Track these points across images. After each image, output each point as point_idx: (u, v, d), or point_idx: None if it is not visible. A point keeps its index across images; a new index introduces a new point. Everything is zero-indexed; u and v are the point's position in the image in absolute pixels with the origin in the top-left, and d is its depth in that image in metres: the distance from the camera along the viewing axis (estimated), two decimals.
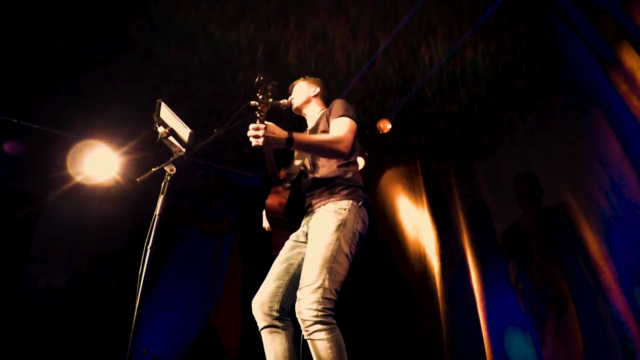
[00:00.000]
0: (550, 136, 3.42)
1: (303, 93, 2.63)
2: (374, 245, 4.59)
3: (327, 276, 1.97)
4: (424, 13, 3.53)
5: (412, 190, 4.56)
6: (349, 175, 2.28)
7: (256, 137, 1.95)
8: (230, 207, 5.67)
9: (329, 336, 1.89)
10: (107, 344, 4.47)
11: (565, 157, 3.26)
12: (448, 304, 3.80)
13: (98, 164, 4.61)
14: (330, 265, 2.00)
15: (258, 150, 2.08)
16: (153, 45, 3.84)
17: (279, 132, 2.04)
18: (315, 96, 2.64)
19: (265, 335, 2.15)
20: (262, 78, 2.02)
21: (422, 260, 4.18)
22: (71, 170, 4.67)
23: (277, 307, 2.16)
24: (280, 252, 2.33)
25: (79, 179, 4.69)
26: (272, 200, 2.30)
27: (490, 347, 3.38)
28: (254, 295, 2.26)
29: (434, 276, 3.99)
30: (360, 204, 2.21)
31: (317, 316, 1.90)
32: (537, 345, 3.16)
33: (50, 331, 4.47)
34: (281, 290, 2.19)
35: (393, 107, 4.49)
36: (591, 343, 2.86)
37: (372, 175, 5.01)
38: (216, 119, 4.24)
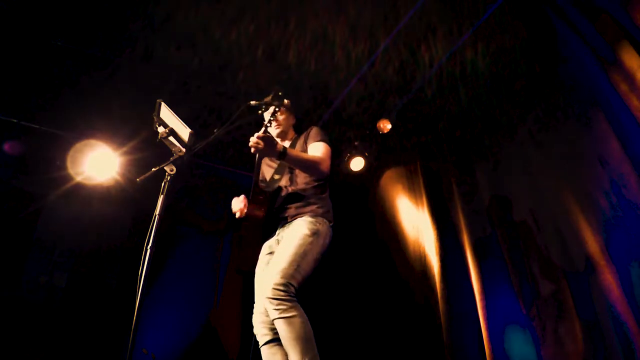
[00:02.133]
0: (550, 136, 3.42)
1: (288, 123, 2.74)
2: (374, 245, 4.60)
3: (295, 268, 2.15)
4: (424, 13, 3.53)
5: (412, 190, 4.56)
6: (324, 195, 2.52)
7: (257, 144, 2.15)
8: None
9: (297, 312, 2.06)
10: (107, 344, 4.47)
11: (565, 157, 3.26)
12: (448, 304, 3.80)
13: (98, 164, 4.61)
14: (299, 260, 2.18)
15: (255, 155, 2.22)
16: (153, 45, 3.84)
17: (278, 145, 2.23)
18: (292, 125, 2.81)
19: (269, 349, 2.24)
20: (280, 94, 2.21)
21: (422, 260, 4.18)
22: (71, 170, 4.67)
23: None
24: (259, 267, 2.47)
25: (79, 179, 4.70)
26: (253, 209, 2.47)
27: (490, 347, 3.38)
28: (253, 295, 2.39)
29: (434, 276, 3.99)
30: (330, 224, 2.43)
31: (284, 296, 2.07)
32: (537, 345, 3.16)
33: (50, 331, 4.47)
34: None
35: (393, 107, 4.48)
36: (591, 343, 2.86)
37: (372, 175, 5.01)
38: (216, 119, 4.24)
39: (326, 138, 2.57)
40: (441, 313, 3.79)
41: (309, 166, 2.41)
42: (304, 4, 3.49)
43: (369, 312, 4.44)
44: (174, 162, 2.03)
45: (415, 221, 4.43)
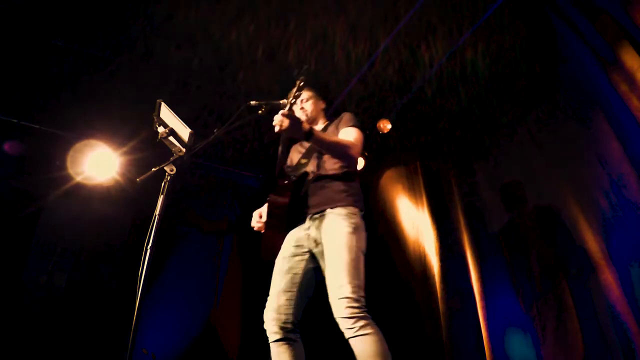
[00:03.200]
0: (550, 136, 3.42)
1: (316, 108, 2.61)
2: (374, 245, 4.58)
3: (357, 276, 2.05)
4: (424, 13, 3.52)
5: (412, 190, 4.56)
6: (354, 183, 2.36)
7: (281, 123, 2.03)
8: (230, 207, 5.68)
9: (374, 329, 1.95)
10: (107, 344, 4.47)
11: (565, 157, 3.26)
12: (448, 304, 3.80)
13: (98, 164, 4.61)
14: (357, 266, 2.08)
15: (280, 135, 2.12)
16: (153, 45, 3.84)
17: (304, 124, 2.10)
18: (322, 109, 2.67)
19: (277, 348, 2.15)
20: (307, 67, 2.17)
21: (422, 260, 4.18)
22: (71, 170, 4.67)
23: (291, 319, 2.16)
24: (279, 259, 2.31)
25: (79, 179, 4.69)
26: (277, 196, 2.27)
27: (490, 347, 3.38)
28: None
29: (434, 276, 3.99)
30: (362, 213, 2.29)
31: (359, 312, 1.95)
32: (537, 345, 3.16)
33: (50, 331, 4.47)
34: (292, 302, 2.19)
35: (393, 107, 4.48)
36: (591, 343, 2.86)
37: (372, 175, 5.01)
38: (216, 119, 4.24)
39: (359, 124, 2.41)
40: (441, 313, 3.79)
41: (338, 149, 2.25)
42: (304, 4, 3.49)
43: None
44: (174, 162, 2.02)
45: (415, 221, 4.43)
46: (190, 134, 2.05)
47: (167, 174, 1.99)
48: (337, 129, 2.42)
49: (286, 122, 2.03)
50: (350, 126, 2.37)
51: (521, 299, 3.35)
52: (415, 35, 3.72)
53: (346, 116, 2.46)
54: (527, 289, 3.34)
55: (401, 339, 4.11)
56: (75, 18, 3.63)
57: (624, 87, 2.75)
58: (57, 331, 4.49)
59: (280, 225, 2.34)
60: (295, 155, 2.58)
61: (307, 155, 2.42)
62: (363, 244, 2.18)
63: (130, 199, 5.02)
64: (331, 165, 2.35)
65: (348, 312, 1.94)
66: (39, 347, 4.36)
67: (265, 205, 2.38)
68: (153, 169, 2.02)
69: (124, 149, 4.60)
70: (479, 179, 3.99)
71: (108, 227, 5.12)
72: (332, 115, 2.75)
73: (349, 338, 1.95)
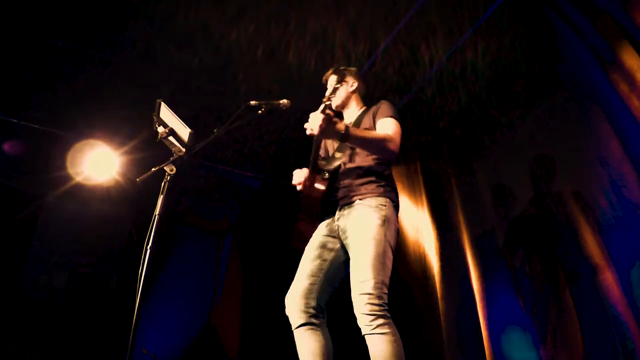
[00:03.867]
0: (550, 136, 3.42)
1: (342, 90, 2.49)
2: None
3: (382, 271, 1.99)
4: (424, 13, 3.52)
5: (412, 190, 4.56)
6: (387, 173, 2.31)
7: (318, 125, 1.96)
8: (230, 207, 5.68)
9: (391, 329, 1.91)
10: (107, 344, 4.47)
11: (565, 157, 3.26)
12: (448, 304, 3.80)
13: (98, 164, 4.61)
14: (383, 261, 2.01)
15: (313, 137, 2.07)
16: (153, 45, 3.84)
17: (339, 124, 2.02)
18: (353, 92, 2.56)
19: (302, 333, 2.09)
20: (341, 68, 2.20)
21: (422, 260, 4.18)
22: (71, 170, 4.67)
23: (314, 303, 2.11)
24: (308, 248, 2.26)
25: (78, 179, 4.70)
26: (311, 188, 2.23)
27: (490, 347, 3.38)
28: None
29: (434, 276, 3.99)
30: (394, 204, 2.26)
31: (379, 310, 1.91)
32: (537, 345, 3.16)
33: (51, 331, 4.47)
34: (316, 287, 2.14)
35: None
36: (591, 343, 2.86)
37: None
38: (216, 119, 4.24)
39: (397, 115, 2.32)
40: (441, 313, 3.79)
41: (377, 145, 2.17)
42: (304, 4, 3.49)
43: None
44: (174, 162, 2.02)
45: (415, 221, 4.43)
46: (190, 134, 2.05)
47: (167, 174, 1.99)
48: (373, 120, 2.34)
49: (319, 126, 1.96)
50: (389, 116, 2.28)
51: (521, 299, 3.35)
52: (415, 35, 3.72)
53: (384, 105, 2.37)
54: (527, 289, 3.34)
55: (401, 339, 4.11)
56: (75, 18, 3.63)
57: (624, 87, 2.75)
58: (57, 331, 4.49)
59: (313, 217, 2.32)
60: (330, 145, 2.50)
61: (341, 148, 2.34)
62: (392, 238, 2.11)
63: (130, 199, 5.02)
64: (363, 156, 2.29)
65: (368, 308, 1.91)
66: (39, 347, 4.36)
67: (306, 169, 2.32)
68: (153, 169, 2.02)
69: (124, 149, 4.60)
70: (479, 179, 3.99)
71: (108, 227, 5.12)
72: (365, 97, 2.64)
73: (365, 334, 1.92)
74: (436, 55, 3.86)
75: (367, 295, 1.92)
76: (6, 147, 4.57)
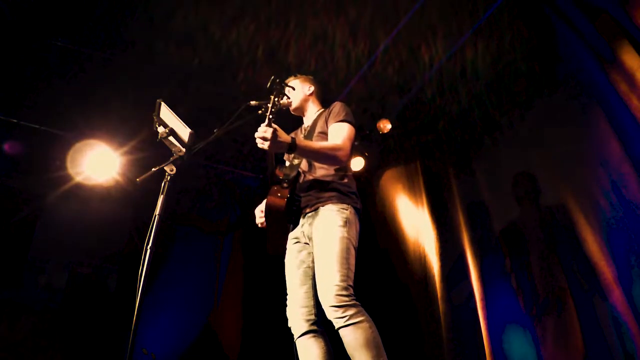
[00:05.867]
0: (550, 136, 3.42)
1: (299, 92, 2.58)
2: (374, 245, 4.59)
3: (346, 266, 2.03)
4: (424, 13, 3.52)
5: (412, 190, 4.56)
6: (346, 180, 2.33)
7: (264, 139, 1.98)
8: (230, 207, 5.68)
9: (365, 317, 1.94)
10: (107, 344, 4.47)
11: (565, 157, 3.26)
12: (448, 304, 3.80)
13: (98, 164, 4.61)
14: (347, 256, 2.06)
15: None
16: (153, 45, 3.84)
17: (284, 137, 2.05)
18: (310, 95, 2.62)
19: (304, 341, 2.12)
20: (277, 80, 2.09)
21: (422, 261, 4.17)
22: (71, 170, 4.67)
23: (314, 311, 2.15)
24: (288, 259, 2.33)
25: (78, 179, 4.69)
26: (273, 199, 2.27)
27: (490, 347, 3.38)
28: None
29: (434, 276, 3.99)
30: (355, 208, 2.27)
31: (349, 300, 1.94)
32: (537, 345, 3.16)
33: (50, 331, 4.47)
34: (310, 294, 2.18)
35: (393, 107, 4.48)
36: (591, 343, 2.86)
37: (372, 175, 5.01)
38: (216, 119, 4.24)
39: (350, 116, 2.33)
40: (441, 313, 3.79)
41: (324, 156, 2.22)
42: (304, 4, 3.49)
43: (368, 311, 4.43)
44: (174, 162, 2.02)
45: (415, 221, 4.43)
46: (190, 134, 2.05)
47: (167, 174, 2.00)
48: (326, 123, 2.38)
49: (265, 140, 1.98)
50: (340, 121, 2.31)
51: (521, 299, 3.35)
52: (415, 35, 3.72)
53: (336, 108, 2.39)
54: (527, 289, 3.34)
55: (401, 339, 4.11)
56: (75, 17, 3.63)
57: (623, 87, 2.75)
58: (57, 331, 4.49)
59: (281, 226, 2.35)
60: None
61: (298, 156, 2.37)
62: (354, 237, 2.17)
63: (130, 199, 5.02)
64: (321, 164, 2.33)
65: (337, 300, 1.93)
66: (39, 347, 4.36)
67: (264, 203, 2.38)
68: (153, 169, 2.03)
69: (124, 149, 4.60)
70: (479, 179, 3.99)
71: (108, 228, 5.12)
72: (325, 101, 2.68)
73: (339, 328, 1.93)
74: (436, 55, 3.86)
75: (335, 287, 1.96)
76: (6, 147, 4.57)
